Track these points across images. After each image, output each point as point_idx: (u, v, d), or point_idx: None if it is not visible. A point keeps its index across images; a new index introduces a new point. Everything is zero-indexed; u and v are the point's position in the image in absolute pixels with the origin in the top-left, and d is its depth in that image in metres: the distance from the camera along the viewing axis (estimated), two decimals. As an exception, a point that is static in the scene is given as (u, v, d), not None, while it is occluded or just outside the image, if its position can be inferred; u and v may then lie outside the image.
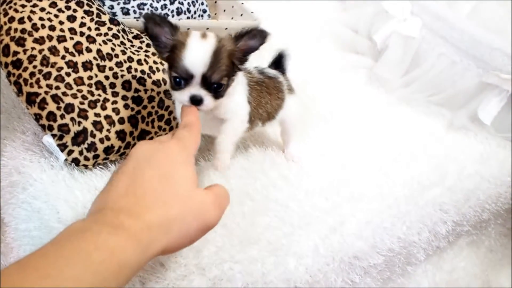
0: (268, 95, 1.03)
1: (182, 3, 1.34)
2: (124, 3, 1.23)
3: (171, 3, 1.31)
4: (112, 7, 1.22)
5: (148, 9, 1.26)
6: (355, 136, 1.30)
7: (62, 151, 0.93)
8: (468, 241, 1.40)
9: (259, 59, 1.08)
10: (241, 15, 1.44)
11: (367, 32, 1.73)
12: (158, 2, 1.29)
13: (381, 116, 1.44)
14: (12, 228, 0.99)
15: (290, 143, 1.17)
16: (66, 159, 0.94)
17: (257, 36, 0.86)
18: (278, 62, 1.14)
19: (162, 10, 1.30)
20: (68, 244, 0.53)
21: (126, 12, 1.24)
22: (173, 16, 1.33)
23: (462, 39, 1.46)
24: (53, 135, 0.93)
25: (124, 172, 0.66)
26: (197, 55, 0.82)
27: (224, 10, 1.50)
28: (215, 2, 1.52)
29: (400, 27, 1.55)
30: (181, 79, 0.83)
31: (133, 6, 1.25)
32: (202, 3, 1.42)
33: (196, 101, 0.83)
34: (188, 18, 1.36)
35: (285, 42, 1.37)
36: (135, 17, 1.25)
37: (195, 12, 1.39)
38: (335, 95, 1.48)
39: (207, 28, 1.26)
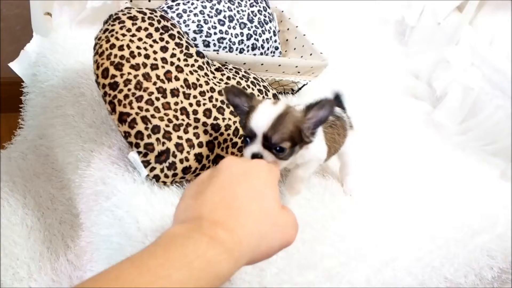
0: (338, 136, 1.10)
1: (257, 40, 1.44)
2: (206, 36, 1.34)
3: (248, 39, 1.42)
4: (195, 39, 1.33)
5: (226, 43, 1.37)
6: (410, 176, 1.35)
7: (145, 167, 1.02)
8: (514, 289, 1.42)
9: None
10: (311, 54, 1.53)
11: (428, 79, 1.80)
12: (235, 37, 1.39)
13: (436, 160, 1.49)
14: (92, 233, 1.08)
15: (348, 177, 1.23)
16: (148, 175, 1.02)
17: (325, 106, 0.91)
18: (337, 102, 1.21)
19: (239, 44, 1.40)
20: (173, 249, 0.58)
21: (206, 45, 1.35)
22: (248, 51, 1.43)
23: (519, 93, 1.51)
24: (139, 152, 1.02)
25: (216, 184, 0.72)
26: (261, 116, 0.89)
27: (295, 49, 1.58)
28: (286, 40, 1.61)
29: (460, 76, 1.61)
30: (247, 138, 0.92)
31: (213, 40, 1.36)
32: (275, 41, 1.53)
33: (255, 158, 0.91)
34: (261, 53, 1.46)
35: (349, 80, 1.45)
36: (214, 50, 1.36)
37: (268, 49, 1.49)
38: (393, 136, 1.54)
39: (262, 64, 1.36)
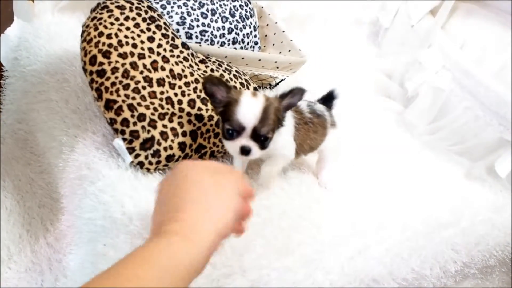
0: (314, 133, 1.16)
1: (238, 34, 1.47)
2: (189, 28, 1.37)
3: (229, 33, 1.45)
4: (177, 30, 1.36)
5: (208, 36, 1.40)
6: (382, 172, 1.40)
7: (130, 153, 1.05)
8: (473, 283, 1.47)
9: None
10: (289, 50, 1.56)
11: (400, 79, 1.85)
12: (217, 31, 1.42)
13: (406, 158, 1.54)
14: (75, 216, 1.10)
15: (323, 171, 1.28)
16: (132, 161, 1.05)
17: (297, 94, 1.00)
18: (328, 99, 1.26)
19: (221, 38, 1.43)
20: (138, 254, 0.63)
21: (189, 37, 1.38)
22: (228, 44, 1.46)
23: (487, 96, 1.56)
24: (124, 139, 1.04)
25: (169, 192, 0.76)
26: (249, 110, 0.96)
27: (273, 44, 1.62)
28: (266, 35, 1.65)
29: (431, 78, 1.67)
30: (234, 131, 0.97)
31: (195, 32, 1.38)
32: (255, 36, 1.56)
33: (245, 151, 0.97)
34: (241, 48, 1.50)
35: (324, 78, 1.50)
36: (196, 42, 1.39)
37: (248, 43, 1.52)
38: (366, 133, 1.59)
39: (242, 58, 1.40)
